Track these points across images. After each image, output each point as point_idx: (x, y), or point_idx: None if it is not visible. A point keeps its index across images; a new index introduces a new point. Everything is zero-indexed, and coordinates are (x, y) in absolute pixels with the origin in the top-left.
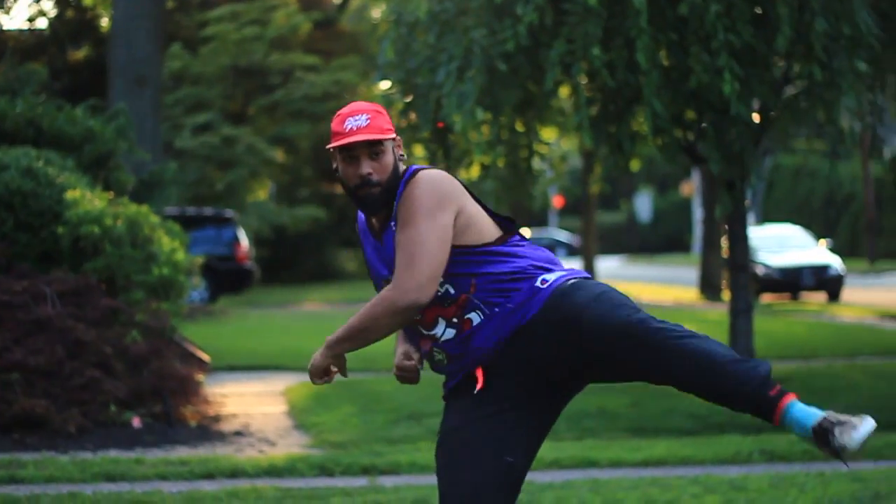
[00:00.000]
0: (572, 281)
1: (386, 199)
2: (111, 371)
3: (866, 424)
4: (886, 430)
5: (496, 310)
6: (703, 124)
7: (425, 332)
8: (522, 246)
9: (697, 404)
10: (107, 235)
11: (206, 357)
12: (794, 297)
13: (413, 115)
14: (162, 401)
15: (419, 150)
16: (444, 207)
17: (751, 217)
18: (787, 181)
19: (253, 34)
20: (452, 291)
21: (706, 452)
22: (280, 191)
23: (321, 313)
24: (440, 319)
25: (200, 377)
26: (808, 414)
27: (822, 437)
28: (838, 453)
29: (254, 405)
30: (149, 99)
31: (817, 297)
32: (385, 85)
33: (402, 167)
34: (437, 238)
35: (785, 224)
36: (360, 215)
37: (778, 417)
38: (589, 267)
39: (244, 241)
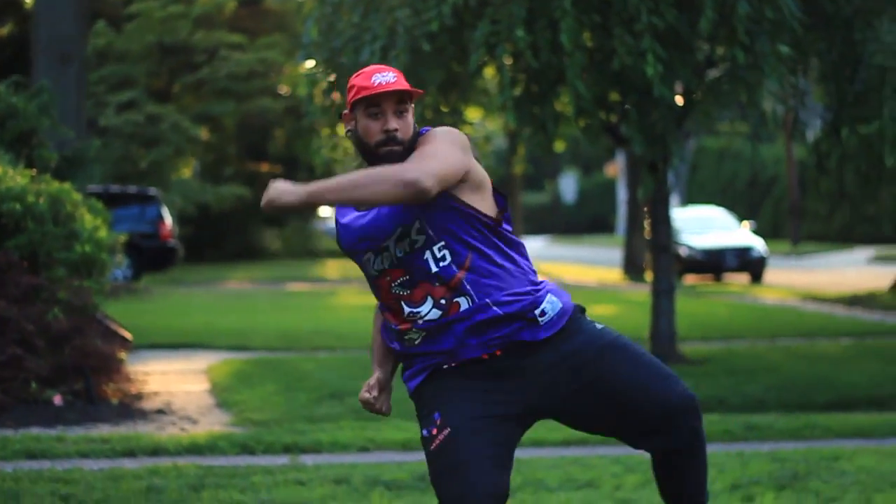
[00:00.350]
0: (605, 334)
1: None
2: (33, 348)
3: None
4: (805, 410)
5: (486, 300)
6: (626, 106)
7: (411, 309)
8: (511, 231)
9: None
10: (29, 212)
11: (128, 335)
12: (717, 278)
13: (337, 95)
14: (84, 378)
15: (342, 130)
16: (462, 150)
17: (675, 198)
18: (711, 163)
19: (178, 12)
20: (448, 260)
21: None
22: (204, 169)
23: (245, 292)
24: (429, 298)
25: (122, 355)
26: None
27: None
28: None
29: (176, 383)
30: (73, 76)
31: (740, 279)
32: (309, 64)
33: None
34: (454, 157)
35: (708, 206)
36: None
37: None
38: None
39: (168, 220)
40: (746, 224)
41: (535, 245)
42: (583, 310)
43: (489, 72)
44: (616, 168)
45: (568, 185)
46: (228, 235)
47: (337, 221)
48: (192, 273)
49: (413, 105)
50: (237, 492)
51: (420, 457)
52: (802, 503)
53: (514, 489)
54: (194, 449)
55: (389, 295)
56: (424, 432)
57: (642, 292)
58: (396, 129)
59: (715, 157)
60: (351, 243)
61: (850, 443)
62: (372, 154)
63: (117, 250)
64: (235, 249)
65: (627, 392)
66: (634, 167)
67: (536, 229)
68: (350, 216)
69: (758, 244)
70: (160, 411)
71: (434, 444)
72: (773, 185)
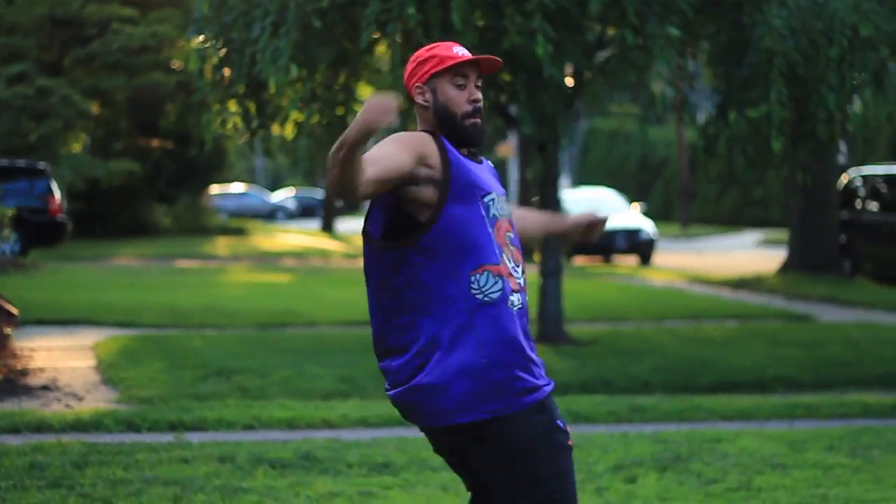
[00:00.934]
0: None
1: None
2: None
3: None
4: (689, 392)
5: (525, 297)
6: (516, 86)
7: (513, 265)
8: None
9: None
10: None
11: (14, 310)
12: (607, 259)
13: (227, 71)
14: None
15: (233, 106)
16: None
17: (565, 180)
18: (602, 145)
19: None
20: (513, 235)
21: None
22: (95, 144)
23: (134, 268)
24: (520, 261)
25: (8, 330)
26: None
27: None
28: None
29: (62, 360)
30: None
31: (629, 261)
32: (200, 39)
33: None
34: None
35: (599, 187)
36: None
37: None
38: None
39: (57, 194)
40: (636, 206)
41: None
42: None
43: (381, 49)
44: (508, 148)
45: None
46: (118, 211)
47: (455, 164)
48: (81, 249)
49: None
50: (121, 469)
51: (304, 435)
52: (684, 484)
53: (399, 468)
54: (79, 426)
55: (504, 239)
56: (560, 423)
57: (530, 273)
58: (481, 100)
59: (606, 138)
60: (485, 182)
61: (733, 425)
62: (455, 126)
63: (5, 224)
64: (125, 225)
65: None
66: (526, 147)
67: None
68: (475, 170)
69: (647, 226)
70: (45, 387)
71: (570, 441)
72: (664, 168)
